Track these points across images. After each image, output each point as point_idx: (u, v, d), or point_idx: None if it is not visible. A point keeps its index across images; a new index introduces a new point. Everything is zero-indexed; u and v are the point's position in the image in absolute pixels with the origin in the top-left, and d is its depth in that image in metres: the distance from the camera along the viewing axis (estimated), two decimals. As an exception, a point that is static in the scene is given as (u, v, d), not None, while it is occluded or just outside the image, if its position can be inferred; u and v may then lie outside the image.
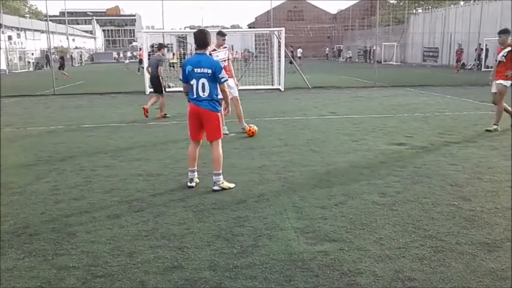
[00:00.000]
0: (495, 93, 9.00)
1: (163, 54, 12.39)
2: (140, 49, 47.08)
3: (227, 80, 5.54)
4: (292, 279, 3.33)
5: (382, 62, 45.10)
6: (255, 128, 8.97)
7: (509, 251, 3.71)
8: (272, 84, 19.58)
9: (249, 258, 3.67)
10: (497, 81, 8.94)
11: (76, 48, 68.67)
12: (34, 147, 8.22)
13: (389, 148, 7.62)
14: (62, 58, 31.40)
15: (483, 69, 29.63)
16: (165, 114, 11.79)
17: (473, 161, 6.67)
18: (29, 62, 46.91)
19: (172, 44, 40.27)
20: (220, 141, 5.55)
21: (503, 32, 8.91)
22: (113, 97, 17.41)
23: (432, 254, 3.68)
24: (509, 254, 3.67)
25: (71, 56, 56.96)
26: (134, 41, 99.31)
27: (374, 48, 42.76)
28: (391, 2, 67.28)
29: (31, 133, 9.79)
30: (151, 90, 18.26)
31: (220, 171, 5.48)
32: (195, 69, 5.30)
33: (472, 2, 37.36)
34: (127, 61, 43.26)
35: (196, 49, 5.46)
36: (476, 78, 20.67)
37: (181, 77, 5.56)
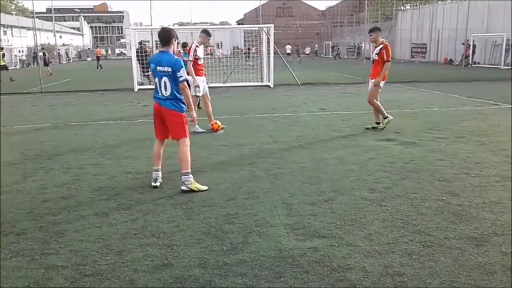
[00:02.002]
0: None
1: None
2: (97, 47, 47.17)
3: (186, 79, 5.36)
4: (282, 275, 3.33)
5: (371, 59, 45.21)
6: (219, 123, 9.09)
7: (497, 246, 3.74)
8: (261, 81, 19.56)
9: (239, 255, 3.66)
10: (372, 80, 8.85)
11: (63, 45, 67.96)
12: (21, 145, 8.12)
13: (378, 144, 7.65)
14: (44, 54, 30.93)
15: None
16: None
17: (461, 156, 6.72)
18: (20, 60, 46.42)
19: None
20: (187, 140, 5.41)
21: (373, 30, 8.76)
22: (101, 94, 17.27)
23: (421, 249, 3.70)
24: (497, 248, 3.70)
25: (58, 53, 56.35)
26: (122, 37, 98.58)
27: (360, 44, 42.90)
28: (379, -2, 67.46)
29: (18, 131, 9.68)
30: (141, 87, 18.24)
31: (189, 171, 5.32)
32: (158, 68, 5.27)
33: (459, -2, 37.61)
34: (89, 59, 43.41)
35: (160, 46, 5.42)
36: (464, 73, 20.87)
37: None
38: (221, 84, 19.21)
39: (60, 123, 10.63)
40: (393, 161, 6.48)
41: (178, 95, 5.30)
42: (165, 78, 5.24)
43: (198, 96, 8.98)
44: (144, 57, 18.64)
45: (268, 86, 18.61)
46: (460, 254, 3.60)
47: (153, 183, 5.51)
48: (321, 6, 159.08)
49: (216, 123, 9.06)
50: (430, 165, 6.26)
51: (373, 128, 8.95)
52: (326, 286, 3.19)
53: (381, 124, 8.93)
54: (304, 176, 5.84)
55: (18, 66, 44.96)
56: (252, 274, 3.36)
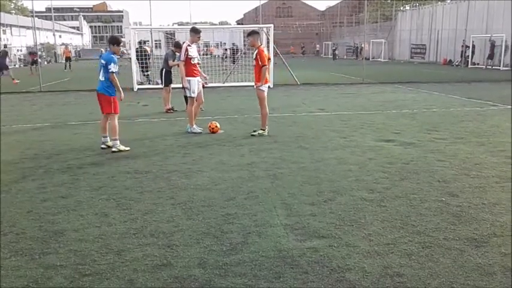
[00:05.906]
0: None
1: (175, 52, 12.06)
2: (66, 46, 46.27)
3: (114, 72, 7.31)
4: (281, 276, 3.33)
5: (370, 59, 45.27)
6: (217, 124, 8.95)
7: (496, 246, 3.75)
8: (261, 81, 19.52)
9: (239, 255, 3.66)
10: (255, 85, 8.74)
11: (63, 44, 67.83)
12: (20, 145, 8.11)
13: (377, 144, 7.65)
14: (33, 54, 30.01)
15: (469, 65, 29.93)
16: (171, 108, 11.66)
17: (460, 157, 6.73)
18: (19, 59, 46.25)
19: (160, 40, 40.08)
20: (116, 116, 7.43)
21: (250, 34, 8.58)
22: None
23: (420, 250, 3.71)
24: (496, 249, 3.70)
25: (55, 52, 56.27)
26: (122, 37, 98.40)
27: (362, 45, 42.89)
28: (379, -1, 67.47)
29: (17, 130, 9.67)
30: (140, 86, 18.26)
31: (117, 137, 7.34)
32: (101, 61, 7.46)
33: (458, -1, 37.62)
34: (40, 60, 42.53)
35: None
36: (463, 74, 20.88)
37: None
38: (221, 84, 19.20)
39: (60, 122, 10.62)
40: (393, 162, 6.49)
41: (107, 82, 7.36)
42: (102, 68, 7.39)
43: (193, 97, 8.76)
44: (144, 57, 18.62)
45: (268, 86, 18.57)
46: (460, 255, 3.61)
47: (102, 146, 7.62)
48: (321, 6, 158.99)
49: (216, 126, 8.92)
50: (429, 166, 6.26)
51: (260, 134, 8.66)
52: (325, 286, 3.19)
53: (263, 131, 8.68)
54: (304, 176, 5.84)
55: (17, 66, 44.90)
56: (251, 274, 3.36)
